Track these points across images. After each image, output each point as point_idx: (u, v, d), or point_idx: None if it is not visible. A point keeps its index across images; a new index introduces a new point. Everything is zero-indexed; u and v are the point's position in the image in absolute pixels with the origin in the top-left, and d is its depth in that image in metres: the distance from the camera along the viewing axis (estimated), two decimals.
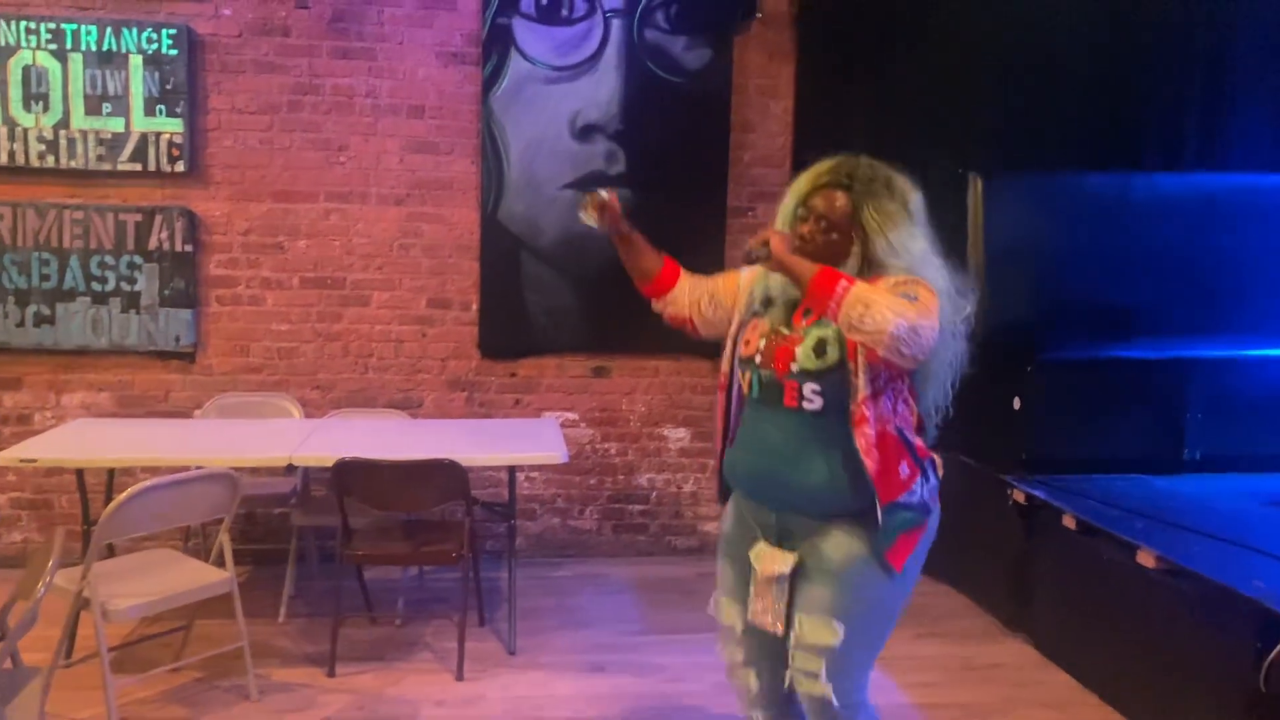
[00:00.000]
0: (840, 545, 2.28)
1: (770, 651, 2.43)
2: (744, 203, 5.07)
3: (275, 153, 4.78)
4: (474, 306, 4.97)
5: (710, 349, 5.02)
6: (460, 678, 3.72)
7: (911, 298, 2.10)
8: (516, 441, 4.17)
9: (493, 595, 4.50)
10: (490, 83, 4.83)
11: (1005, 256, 4.64)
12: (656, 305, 2.57)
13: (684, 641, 4.12)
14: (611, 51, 4.87)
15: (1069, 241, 4.82)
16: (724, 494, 2.55)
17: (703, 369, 5.14)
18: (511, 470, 4.18)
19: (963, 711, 3.56)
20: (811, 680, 2.30)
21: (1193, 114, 5.19)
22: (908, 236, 2.24)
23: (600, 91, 4.89)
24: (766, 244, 2.19)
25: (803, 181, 2.33)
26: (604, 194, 2.40)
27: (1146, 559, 3.44)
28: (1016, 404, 4.44)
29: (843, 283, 2.07)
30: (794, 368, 2.25)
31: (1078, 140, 4.97)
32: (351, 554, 3.78)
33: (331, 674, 3.72)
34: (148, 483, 3.12)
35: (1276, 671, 2.83)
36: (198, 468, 3.46)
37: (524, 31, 4.82)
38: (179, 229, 4.72)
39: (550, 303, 4.99)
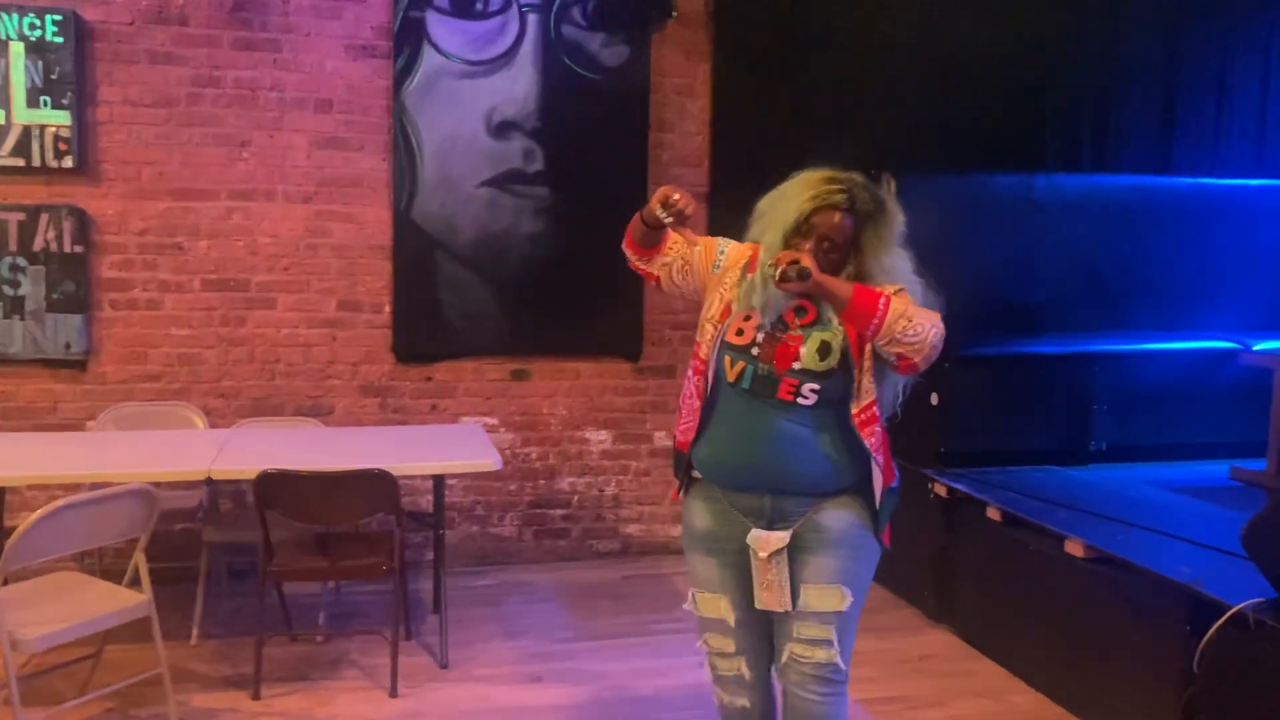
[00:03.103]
0: (838, 515, 2.38)
1: (760, 638, 2.49)
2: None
3: (173, 148, 4.52)
4: (386, 309, 4.80)
5: (631, 351, 5.03)
6: (394, 694, 3.58)
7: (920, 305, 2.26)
8: (444, 449, 4.03)
9: (415, 608, 4.36)
10: (402, 77, 4.68)
11: (918, 255, 4.74)
12: (635, 263, 2.49)
13: (619, 647, 4.07)
14: (528, 47, 4.78)
15: (978, 240, 4.95)
16: (684, 482, 2.53)
17: (623, 370, 5.09)
18: (439, 479, 4.04)
19: (904, 704, 3.61)
20: (819, 648, 2.37)
21: (1086, 119, 5.41)
22: (899, 258, 2.36)
23: (517, 87, 4.79)
24: (796, 264, 2.16)
25: (802, 199, 2.31)
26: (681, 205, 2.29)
27: (1075, 548, 3.55)
28: (934, 400, 4.53)
29: (883, 299, 2.18)
30: (796, 366, 2.30)
31: (984, 142, 5.11)
32: (275, 570, 3.59)
33: (256, 696, 3.53)
34: (61, 502, 2.90)
35: (1211, 654, 2.94)
36: (95, 485, 3.24)
37: (437, 25, 4.68)
38: (67, 229, 4.41)
39: (467, 304, 4.86)
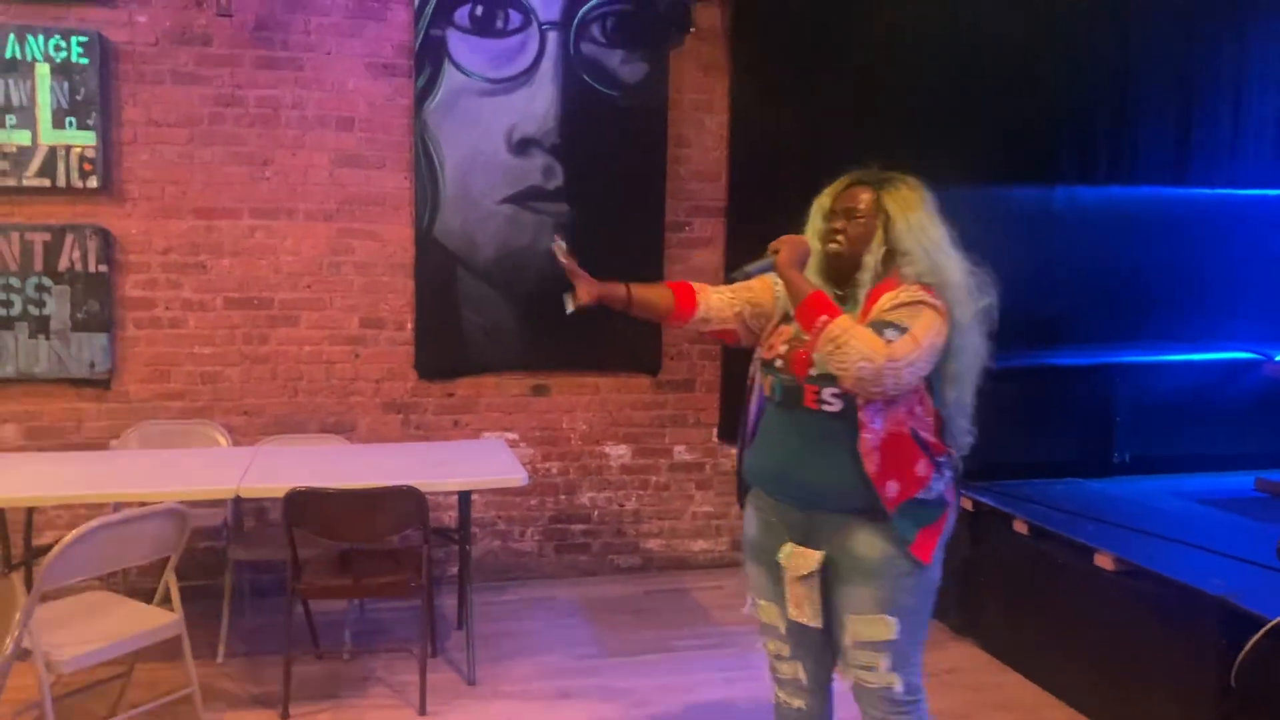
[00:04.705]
0: (869, 542, 2.36)
1: (813, 643, 2.53)
2: (681, 217, 5.05)
3: (196, 167, 4.54)
4: (409, 325, 4.81)
5: (650, 366, 5.04)
6: (423, 712, 3.57)
7: (901, 329, 2.19)
8: (470, 464, 4.04)
9: (439, 624, 4.34)
10: (423, 95, 4.70)
11: None
12: (688, 328, 2.61)
13: (645, 663, 4.06)
14: (548, 64, 4.80)
15: (997, 252, 4.92)
16: (742, 494, 2.64)
17: (643, 385, 5.10)
18: (465, 494, 4.05)
19: (933, 718, 3.59)
20: (873, 674, 2.40)
21: (1103, 130, 5.40)
22: (927, 220, 2.39)
23: (537, 104, 4.81)
24: (778, 252, 2.33)
25: (824, 196, 2.49)
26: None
27: (1105, 561, 3.54)
28: None
29: (823, 317, 2.21)
30: (812, 372, 2.34)
31: (1002, 155, 5.11)
32: (304, 588, 3.60)
33: (285, 715, 3.53)
34: (96, 522, 2.90)
35: (1248, 667, 2.93)
36: (115, 505, 3.25)
37: (458, 43, 4.71)
38: (92, 248, 4.43)
39: (488, 320, 4.87)
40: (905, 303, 2.26)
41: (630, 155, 4.91)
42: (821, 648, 2.54)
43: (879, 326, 2.20)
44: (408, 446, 4.58)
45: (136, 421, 4.51)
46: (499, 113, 4.77)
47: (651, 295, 2.55)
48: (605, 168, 4.88)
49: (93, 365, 4.48)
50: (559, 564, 5.09)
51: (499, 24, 4.73)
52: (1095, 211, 5.16)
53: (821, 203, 2.49)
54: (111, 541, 2.99)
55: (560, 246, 2.38)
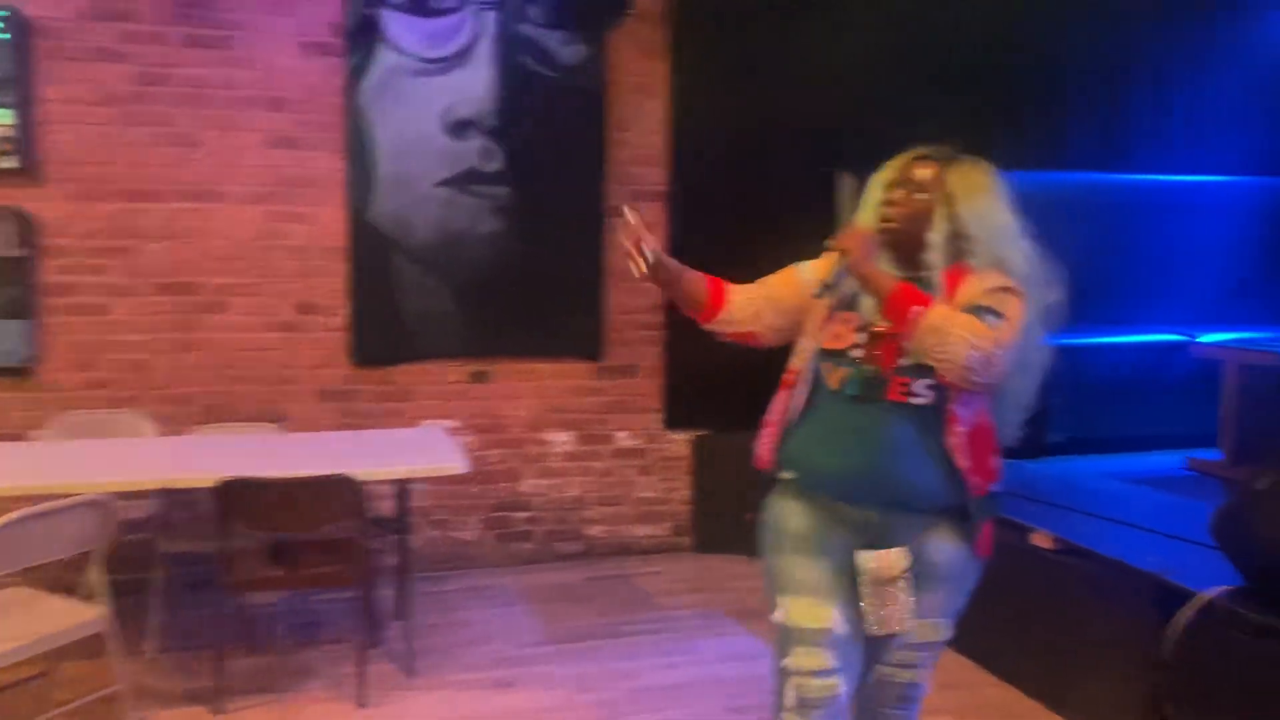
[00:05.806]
0: (943, 549, 2.24)
1: (860, 653, 2.27)
2: (622, 201, 5.00)
3: (120, 148, 4.39)
4: (343, 311, 4.71)
5: (592, 351, 5.00)
6: (363, 704, 3.51)
7: (998, 315, 2.08)
8: (409, 453, 3.96)
9: (378, 615, 4.27)
10: (357, 75, 4.59)
11: None
12: (710, 327, 2.40)
13: (588, 649, 4.03)
14: (485, 44, 4.72)
15: None
16: (766, 490, 2.37)
17: (583, 371, 5.05)
18: (403, 483, 3.97)
19: None
20: (909, 671, 2.32)
21: (1032, 117, 5.48)
22: (994, 208, 2.26)
23: (474, 85, 4.73)
24: (845, 251, 2.15)
25: (886, 170, 2.32)
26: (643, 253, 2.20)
27: (1042, 541, 3.59)
28: None
29: (916, 308, 2.07)
30: (903, 362, 2.17)
31: (937, 140, 5.14)
32: (237, 581, 3.50)
33: (219, 711, 3.43)
34: (15, 514, 2.79)
35: (1180, 641, 2.98)
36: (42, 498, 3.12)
37: (392, 22, 4.61)
38: (10, 231, 4.26)
39: (425, 306, 4.79)
40: (995, 288, 2.15)
41: (570, 138, 4.86)
42: (861, 656, 2.27)
43: (977, 312, 2.08)
44: (343, 435, 4.48)
45: (59, 411, 4.35)
46: (435, 93, 4.69)
47: (695, 281, 2.35)
48: (545, 150, 4.83)
49: (11, 353, 4.31)
50: (501, 552, 5.04)
51: (434, 3, 4.63)
52: (1025, 196, 5.20)
53: (882, 176, 2.32)
54: (31, 535, 2.88)
55: (630, 217, 2.22)
